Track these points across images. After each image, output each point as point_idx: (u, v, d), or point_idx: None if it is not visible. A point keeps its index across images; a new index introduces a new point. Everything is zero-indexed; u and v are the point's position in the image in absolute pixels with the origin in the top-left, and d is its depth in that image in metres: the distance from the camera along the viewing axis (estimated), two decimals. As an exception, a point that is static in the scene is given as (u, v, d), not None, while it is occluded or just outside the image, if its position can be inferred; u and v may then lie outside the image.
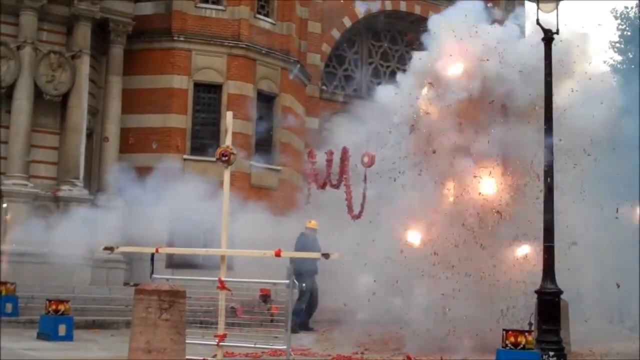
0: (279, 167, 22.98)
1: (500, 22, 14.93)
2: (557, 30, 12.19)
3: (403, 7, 28.35)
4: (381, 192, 14.97)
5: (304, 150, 24.52)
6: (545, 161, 11.83)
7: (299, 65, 23.52)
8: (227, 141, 10.41)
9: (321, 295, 17.78)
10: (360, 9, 26.89)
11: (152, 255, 10.53)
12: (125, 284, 18.91)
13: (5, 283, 15.32)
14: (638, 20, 11.95)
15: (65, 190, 18.76)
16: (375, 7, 27.81)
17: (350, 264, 14.61)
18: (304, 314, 17.33)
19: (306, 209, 19.72)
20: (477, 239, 12.59)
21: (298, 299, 17.08)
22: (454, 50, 13.35)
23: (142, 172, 19.20)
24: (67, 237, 18.10)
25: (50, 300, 13.03)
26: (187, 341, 7.54)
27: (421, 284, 13.04)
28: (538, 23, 12.17)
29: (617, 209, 13.17)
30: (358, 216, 18.72)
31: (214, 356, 10.04)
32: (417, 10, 28.56)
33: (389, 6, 28.04)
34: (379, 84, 28.49)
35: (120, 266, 19.24)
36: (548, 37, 12.19)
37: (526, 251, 12.70)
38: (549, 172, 11.80)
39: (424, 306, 12.83)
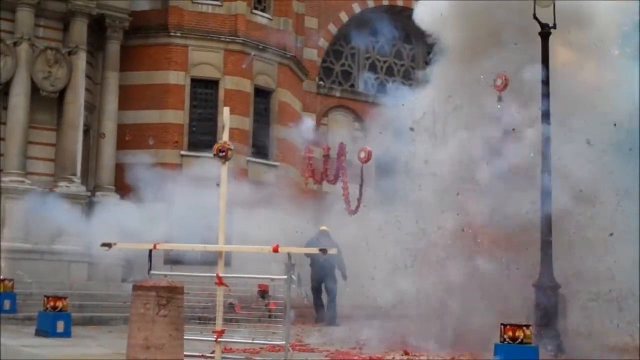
0: (276, 163, 22.97)
1: None
2: (554, 24, 12.19)
3: (400, 2, 28.32)
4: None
5: (301, 146, 24.53)
6: (544, 153, 11.83)
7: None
8: (225, 137, 10.42)
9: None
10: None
11: (150, 251, 10.53)
12: (123, 280, 18.90)
13: (3, 280, 15.31)
14: (638, 16, 11.99)
15: (62, 187, 18.73)
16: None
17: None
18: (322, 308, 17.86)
19: (306, 205, 19.77)
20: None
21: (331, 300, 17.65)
22: None
23: (140, 168, 19.20)
24: (64, 233, 18.13)
25: (48, 297, 13.02)
26: (185, 337, 7.54)
27: (424, 278, 13.08)
28: (535, 17, 12.16)
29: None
30: (355, 211, 18.75)
31: (212, 352, 10.05)
32: (414, 5, 28.50)
33: (385, 1, 28.01)
34: (376, 79, 28.64)
35: (118, 262, 19.21)
36: (545, 31, 12.18)
37: None
38: (546, 166, 11.81)
39: (424, 300, 12.87)
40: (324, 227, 18.54)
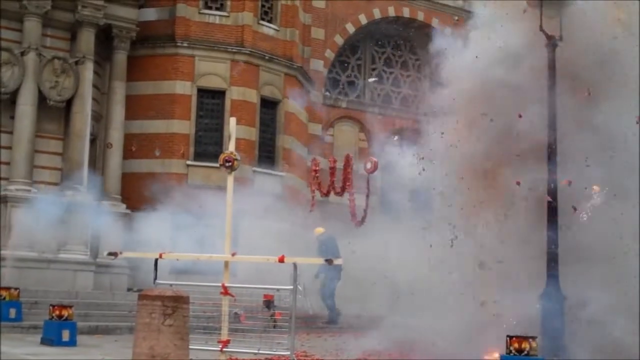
0: (282, 173, 22.99)
1: None
2: (561, 36, 12.19)
3: (406, 13, 28.38)
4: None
5: (307, 156, 24.57)
6: (551, 165, 11.82)
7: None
8: (231, 147, 10.43)
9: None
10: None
11: (156, 260, 10.54)
12: (129, 289, 18.92)
13: (9, 288, 15.33)
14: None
15: (68, 196, 18.75)
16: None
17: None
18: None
19: (312, 215, 19.79)
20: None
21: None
22: None
23: (146, 178, 19.27)
24: (70, 242, 18.17)
25: (53, 306, 13.04)
26: (190, 347, 7.55)
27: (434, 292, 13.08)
28: (541, 29, 12.17)
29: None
30: (361, 223, 18.78)
31: (218, 362, 10.05)
32: (421, 16, 28.60)
33: (392, 12, 28.07)
34: (382, 89, 28.70)
35: (123, 272, 19.25)
36: (552, 43, 12.19)
37: None
38: (553, 177, 11.79)
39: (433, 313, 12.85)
40: (321, 230, 18.68)
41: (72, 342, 12.70)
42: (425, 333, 12.70)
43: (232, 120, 10.91)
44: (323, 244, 18.55)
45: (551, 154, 11.94)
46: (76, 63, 19.32)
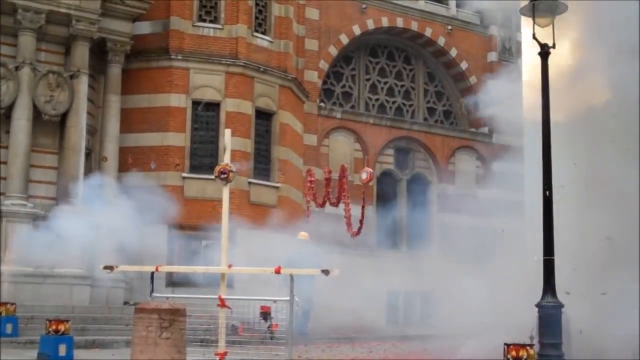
0: (277, 184, 22.99)
1: None
2: (554, 44, 12.24)
3: (400, 23, 28.45)
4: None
5: (302, 167, 24.58)
6: (544, 173, 11.84)
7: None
8: (226, 159, 10.44)
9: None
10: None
11: (152, 274, 10.53)
12: (125, 303, 18.87)
13: (5, 303, 15.29)
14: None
15: (64, 210, 18.70)
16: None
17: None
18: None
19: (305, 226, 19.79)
20: None
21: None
22: None
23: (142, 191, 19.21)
24: (66, 256, 18.12)
25: (50, 321, 12.99)
26: (187, 359, 7.53)
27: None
28: (534, 37, 12.22)
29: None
30: (357, 233, 18.79)
31: (215, 374, 10.02)
32: (414, 26, 28.67)
33: (385, 22, 28.15)
34: (377, 99, 28.75)
35: (119, 285, 19.20)
36: (544, 51, 12.24)
37: None
38: (547, 185, 11.81)
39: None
40: (303, 235, 18.51)
41: (68, 357, 12.64)
42: None
43: (227, 132, 10.91)
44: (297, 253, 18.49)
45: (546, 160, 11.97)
46: (71, 77, 19.33)
